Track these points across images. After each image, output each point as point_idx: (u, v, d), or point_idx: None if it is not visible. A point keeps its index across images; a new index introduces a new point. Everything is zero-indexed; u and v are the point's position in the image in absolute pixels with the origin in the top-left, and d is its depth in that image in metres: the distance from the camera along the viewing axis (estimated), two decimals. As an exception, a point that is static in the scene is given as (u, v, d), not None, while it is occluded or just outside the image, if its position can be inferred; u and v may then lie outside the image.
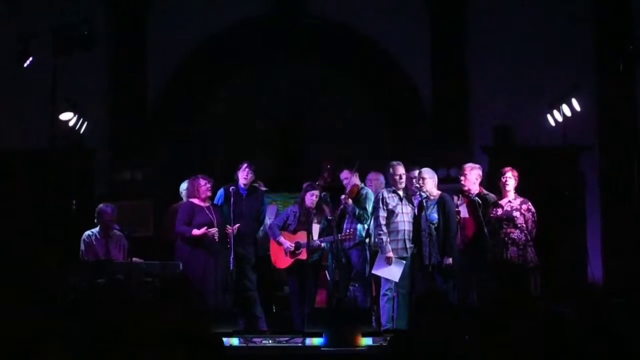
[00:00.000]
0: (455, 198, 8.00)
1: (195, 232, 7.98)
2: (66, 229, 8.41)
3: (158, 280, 7.65)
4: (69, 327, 3.71)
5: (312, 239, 8.10)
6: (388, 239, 7.81)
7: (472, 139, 10.64)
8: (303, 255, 8.12)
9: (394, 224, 7.86)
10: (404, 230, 7.86)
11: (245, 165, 8.25)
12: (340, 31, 10.87)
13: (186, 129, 10.98)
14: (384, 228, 7.82)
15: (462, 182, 7.96)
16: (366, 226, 8.14)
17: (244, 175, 8.22)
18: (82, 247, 8.09)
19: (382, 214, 7.85)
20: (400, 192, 7.95)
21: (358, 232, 8.18)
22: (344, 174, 8.39)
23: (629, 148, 10.13)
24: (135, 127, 10.52)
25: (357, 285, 8.21)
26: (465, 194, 7.97)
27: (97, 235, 8.13)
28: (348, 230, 8.12)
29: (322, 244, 8.14)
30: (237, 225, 8.07)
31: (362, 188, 8.37)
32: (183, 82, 10.85)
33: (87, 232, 8.15)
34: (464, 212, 7.87)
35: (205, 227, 7.98)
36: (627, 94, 10.48)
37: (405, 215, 7.89)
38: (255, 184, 8.54)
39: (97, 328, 3.65)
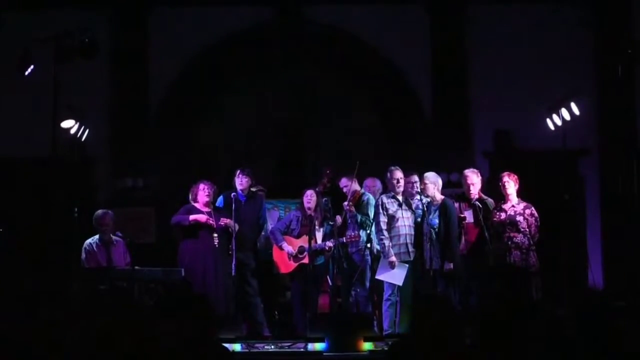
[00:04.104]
0: (457, 204, 8.02)
1: (193, 217, 8.02)
2: (68, 237, 8.42)
3: (160, 286, 7.68)
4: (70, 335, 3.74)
5: (316, 241, 8.13)
6: (390, 244, 7.83)
7: (473, 144, 10.66)
8: (307, 260, 8.15)
9: (395, 229, 7.88)
10: (406, 234, 7.89)
11: (238, 172, 8.36)
12: (340, 38, 10.89)
13: (187, 136, 11.00)
14: (385, 233, 7.84)
15: (470, 190, 7.96)
16: (368, 231, 8.16)
17: (239, 182, 8.33)
18: (83, 255, 8.08)
19: (383, 219, 7.87)
20: (400, 197, 7.97)
21: (361, 238, 8.20)
22: (343, 182, 8.42)
23: (629, 152, 10.16)
24: (137, 135, 10.53)
25: (358, 290, 8.22)
26: (467, 199, 8.00)
27: (98, 243, 8.14)
28: (353, 233, 8.14)
29: (329, 244, 8.14)
30: (228, 220, 8.08)
31: (363, 194, 8.39)
32: (184, 90, 10.87)
33: (88, 241, 8.15)
34: (469, 217, 7.88)
35: (206, 218, 8.02)
36: (626, 97, 10.49)
37: (405, 219, 7.92)
38: (254, 188, 8.61)
39: (99, 335, 3.67)
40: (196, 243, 8.09)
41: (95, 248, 8.10)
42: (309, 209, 8.22)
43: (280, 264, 8.38)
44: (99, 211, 8.30)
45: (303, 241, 8.23)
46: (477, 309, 7.62)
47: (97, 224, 8.16)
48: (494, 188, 8.26)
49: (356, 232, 8.12)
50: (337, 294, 8.40)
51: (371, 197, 8.33)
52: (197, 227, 8.08)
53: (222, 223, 8.07)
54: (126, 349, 3.43)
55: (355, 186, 8.40)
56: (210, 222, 8.04)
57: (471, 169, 8.17)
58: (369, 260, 8.18)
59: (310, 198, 8.23)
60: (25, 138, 10.07)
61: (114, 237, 8.19)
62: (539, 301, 7.54)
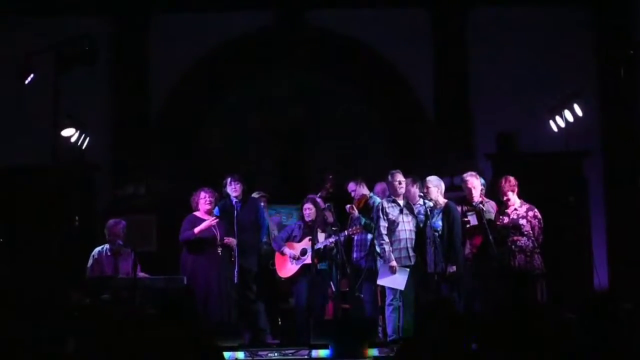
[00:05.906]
0: (460, 208, 7.97)
1: (197, 229, 7.99)
2: (69, 245, 8.40)
3: (163, 294, 7.63)
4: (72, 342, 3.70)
5: (318, 241, 8.12)
6: (391, 248, 7.79)
7: (475, 146, 10.63)
8: (308, 260, 8.13)
9: (395, 234, 7.84)
10: (406, 239, 7.85)
11: (229, 179, 8.31)
12: (341, 42, 10.88)
13: (188, 143, 10.98)
14: (385, 237, 7.80)
15: (473, 194, 7.91)
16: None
17: (232, 189, 8.30)
18: (90, 262, 8.06)
19: (383, 223, 7.83)
20: (401, 202, 7.93)
21: (368, 241, 8.17)
22: (350, 187, 8.42)
23: (632, 152, 10.13)
24: (138, 142, 10.51)
25: (363, 295, 8.18)
26: (469, 202, 7.96)
27: (108, 252, 8.11)
28: (355, 226, 8.11)
29: (331, 240, 8.11)
30: (231, 239, 8.07)
31: (370, 197, 8.38)
32: (184, 96, 10.85)
33: (98, 248, 8.13)
34: (473, 221, 7.83)
35: (210, 221, 8.01)
36: (628, 98, 10.47)
37: (406, 224, 7.87)
38: (256, 194, 8.59)
39: (99, 344, 3.64)
40: (198, 249, 8.05)
41: (103, 257, 8.07)
42: (310, 221, 8.26)
43: (282, 270, 8.36)
44: (111, 220, 8.26)
45: (305, 244, 8.24)
46: (482, 313, 7.62)
47: (108, 233, 8.13)
48: (496, 190, 8.20)
49: (358, 226, 8.09)
50: (341, 300, 8.36)
51: (378, 200, 8.29)
52: (201, 239, 8.03)
53: (226, 242, 8.04)
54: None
55: (363, 190, 8.39)
56: (214, 223, 8.00)
57: (470, 173, 8.12)
58: (374, 264, 8.13)
59: (309, 212, 8.29)
60: (25, 146, 10.05)
61: (124, 248, 8.14)
62: (545, 304, 7.50)
